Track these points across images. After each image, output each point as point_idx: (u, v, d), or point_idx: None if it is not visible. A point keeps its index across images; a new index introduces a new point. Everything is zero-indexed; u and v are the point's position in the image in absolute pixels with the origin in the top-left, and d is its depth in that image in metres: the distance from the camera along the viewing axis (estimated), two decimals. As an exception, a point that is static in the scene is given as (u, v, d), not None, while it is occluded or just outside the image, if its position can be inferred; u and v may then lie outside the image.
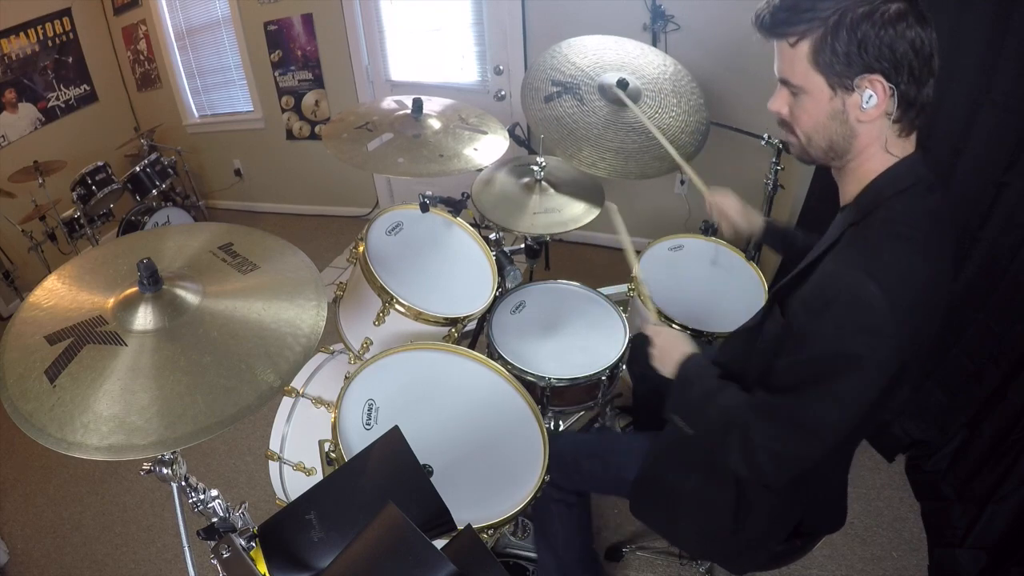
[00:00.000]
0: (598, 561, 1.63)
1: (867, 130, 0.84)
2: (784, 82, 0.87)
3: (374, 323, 1.40)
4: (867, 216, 0.85)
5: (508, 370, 1.36)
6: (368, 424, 1.17)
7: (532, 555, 1.64)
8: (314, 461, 1.44)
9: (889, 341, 0.78)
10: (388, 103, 1.73)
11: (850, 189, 0.91)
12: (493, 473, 1.17)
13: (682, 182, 2.89)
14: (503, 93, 2.47)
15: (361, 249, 1.44)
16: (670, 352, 1.13)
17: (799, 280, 0.92)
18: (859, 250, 0.83)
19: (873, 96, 0.80)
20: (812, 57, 0.81)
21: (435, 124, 1.63)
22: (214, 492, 0.88)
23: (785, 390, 0.87)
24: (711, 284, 1.70)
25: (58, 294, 0.94)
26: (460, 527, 0.75)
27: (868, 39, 0.77)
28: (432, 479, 0.87)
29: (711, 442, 1.01)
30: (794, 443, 0.87)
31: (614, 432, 1.79)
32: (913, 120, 0.84)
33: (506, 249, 1.62)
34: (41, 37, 3.45)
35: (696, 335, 1.54)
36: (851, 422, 0.85)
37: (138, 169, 3.42)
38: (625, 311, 1.64)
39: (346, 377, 1.22)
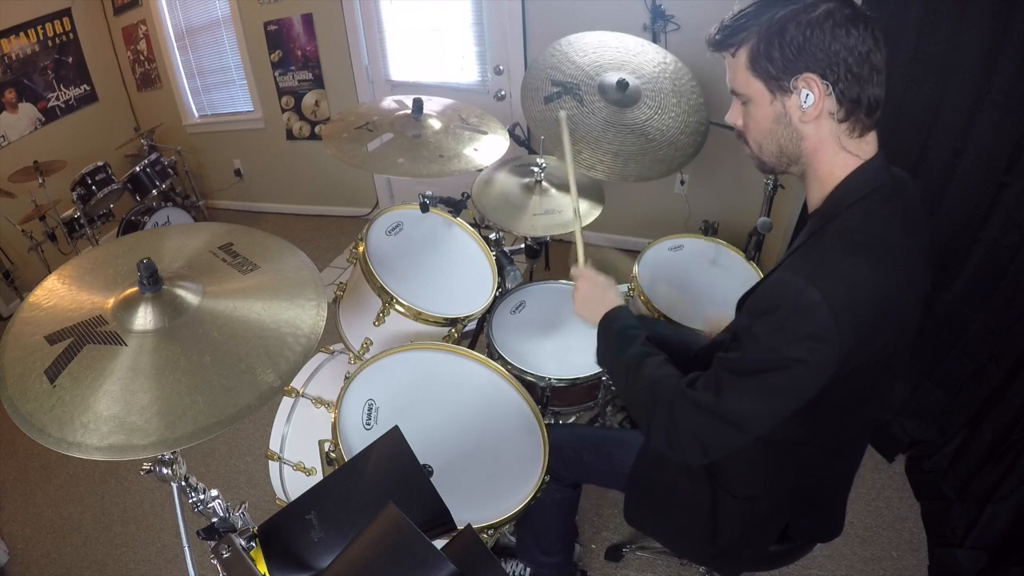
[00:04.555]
0: (575, 542, 1.64)
1: (813, 131, 0.85)
2: (734, 93, 0.91)
3: (374, 323, 1.40)
4: (824, 226, 0.86)
5: (508, 370, 1.36)
6: (368, 424, 1.17)
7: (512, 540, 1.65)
8: (314, 461, 1.44)
9: (829, 348, 0.78)
10: (388, 103, 1.73)
11: (814, 197, 0.91)
12: (493, 473, 1.17)
13: (682, 182, 2.89)
14: (503, 93, 2.46)
15: (361, 249, 1.45)
16: (594, 302, 1.11)
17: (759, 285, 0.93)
18: (808, 259, 0.84)
19: (810, 95, 0.82)
20: (749, 64, 0.85)
21: (435, 124, 1.63)
22: (214, 492, 0.88)
23: (718, 383, 0.87)
24: (711, 284, 1.70)
25: (58, 294, 0.94)
26: (460, 527, 0.75)
27: (795, 40, 0.80)
28: (432, 479, 0.87)
29: (635, 412, 1.00)
30: (718, 433, 0.88)
31: (618, 429, 1.79)
32: (864, 119, 0.84)
33: (506, 249, 1.62)
34: (41, 37, 3.45)
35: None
36: (776, 419, 0.86)
37: (138, 169, 3.42)
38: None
39: (346, 377, 1.23)
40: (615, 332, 1.07)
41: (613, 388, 1.04)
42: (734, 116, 0.94)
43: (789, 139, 0.87)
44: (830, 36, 0.79)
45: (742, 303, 1.01)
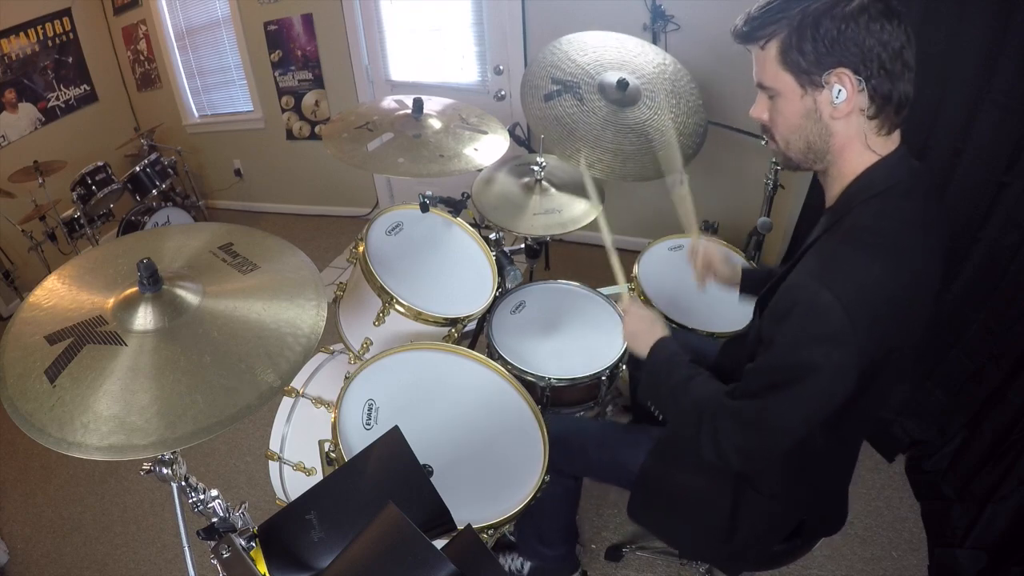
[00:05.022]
0: (576, 536, 1.63)
1: (842, 128, 0.84)
2: (760, 86, 0.90)
3: (374, 323, 1.40)
4: (838, 222, 0.86)
5: (508, 370, 1.36)
6: (368, 424, 1.17)
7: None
8: (314, 461, 1.44)
9: (846, 349, 0.78)
10: (388, 103, 1.73)
11: (833, 193, 0.91)
12: (493, 473, 1.17)
13: (682, 182, 2.89)
14: (503, 93, 2.46)
15: (361, 249, 1.45)
16: (643, 335, 1.15)
17: (776, 286, 0.92)
18: (819, 259, 0.84)
19: (842, 90, 0.81)
20: (780, 57, 0.84)
21: (435, 124, 1.63)
22: (214, 492, 0.88)
23: (751, 393, 0.89)
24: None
25: (58, 294, 0.94)
26: (460, 527, 0.75)
27: (830, 34, 0.79)
28: (432, 479, 0.87)
29: (684, 431, 1.03)
30: (758, 440, 0.91)
31: (624, 424, 1.79)
32: (892, 117, 0.84)
33: (506, 249, 1.62)
34: (41, 37, 3.45)
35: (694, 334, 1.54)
36: (812, 421, 0.88)
37: (138, 169, 3.42)
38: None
39: (346, 377, 1.23)
40: (663, 361, 1.10)
41: (660, 415, 1.10)
42: (759, 111, 0.92)
43: (818, 135, 0.86)
44: (865, 30, 0.77)
45: (760, 302, 1.01)
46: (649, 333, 1.14)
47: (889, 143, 0.86)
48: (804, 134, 0.88)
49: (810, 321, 0.79)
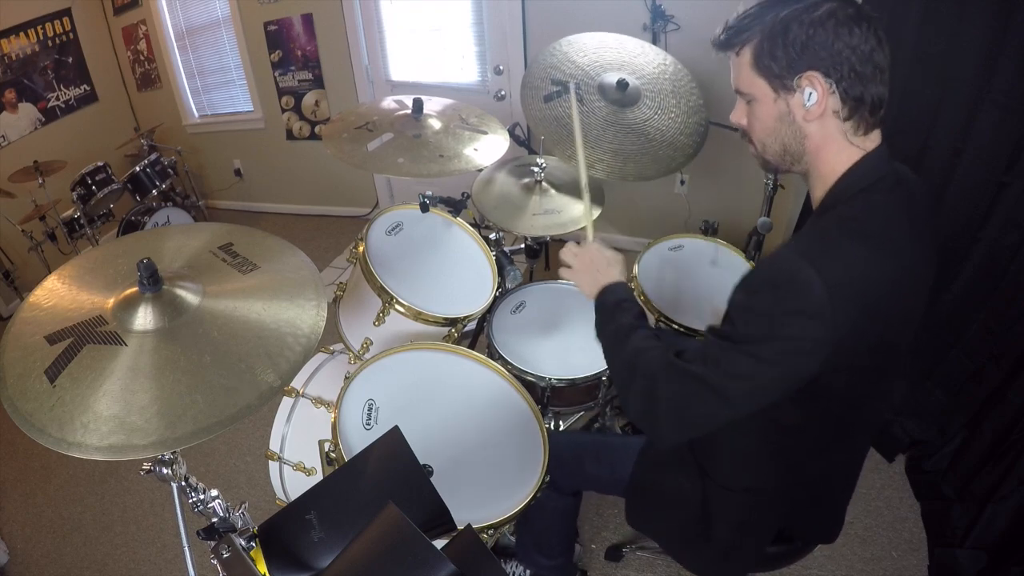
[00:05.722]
0: (575, 544, 1.62)
1: (816, 130, 0.86)
2: (738, 92, 0.92)
3: (374, 323, 1.40)
4: (824, 214, 0.87)
5: (508, 370, 1.36)
6: (368, 424, 1.17)
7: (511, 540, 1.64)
8: (314, 461, 1.44)
9: (821, 326, 0.77)
10: (388, 103, 1.73)
11: (818, 193, 0.92)
12: (493, 473, 1.17)
13: (682, 182, 2.89)
14: (503, 93, 2.46)
15: (361, 249, 1.45)
16: (595, 272, 1.10)
17: None
18: (806, 239, 0.85)
19: (813, 93, 0.82)
20: (753, 62, 0.86)
21: (435, 124, 1.63)
22: (214, 492, 0.88)
23: (706, 354, 0.85)
24: (711, 284, 1.70)
25: (58, 294, 0.94)
26: (460, 527, 0.75)
27: (799, 39, 0.81)
28: (432, 479, 0.87)
29: (617, 381, 0.98)
30: (701, 402, 0.85)
31: (616, 433, 1.79)
32: (868, 118, 0.85)
33: (506, 249, 1.62)
34: (41, 37, 3.45)
35: (693, 335, 1.54)
36: (765, 395, 0.84)
37: (138, 169, 3.42)
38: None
39: (346, 377, 1.23)
40: (611, 305, 1.05)
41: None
42: (738, 115, 0.94)
43: (793, 137, 0.88)
44: (833, 35, 0.79)
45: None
46: (604, 273, 1.09)
47: (867, 142, 0.87)
48: (779, 137, 0.89)
49: (790, 294, 0.78)
